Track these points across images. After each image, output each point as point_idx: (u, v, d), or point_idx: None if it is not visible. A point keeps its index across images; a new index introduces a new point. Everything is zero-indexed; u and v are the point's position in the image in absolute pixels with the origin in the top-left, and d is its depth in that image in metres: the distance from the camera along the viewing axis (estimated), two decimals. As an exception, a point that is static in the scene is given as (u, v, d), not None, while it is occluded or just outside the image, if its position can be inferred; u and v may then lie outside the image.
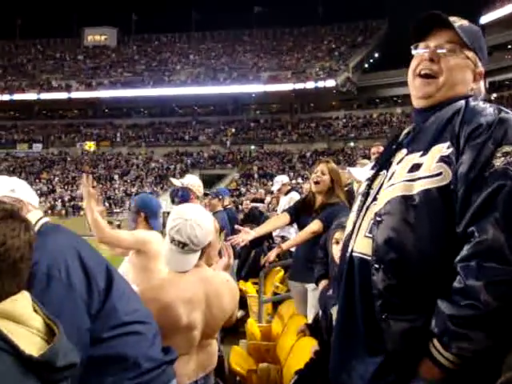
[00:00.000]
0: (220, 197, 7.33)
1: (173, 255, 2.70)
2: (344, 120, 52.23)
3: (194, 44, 64.73)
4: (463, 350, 1.52)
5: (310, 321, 3.91)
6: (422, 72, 1.88)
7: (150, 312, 2.27)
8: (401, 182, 1.73)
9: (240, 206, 20.82)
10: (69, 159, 51.55)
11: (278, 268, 8.10)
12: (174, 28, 70.25)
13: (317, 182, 4.50)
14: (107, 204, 37.74)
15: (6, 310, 1.38)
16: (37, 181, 45.56)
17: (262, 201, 13.45)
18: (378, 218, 1.74)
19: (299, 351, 3.63)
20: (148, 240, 3.99)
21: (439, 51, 1.86)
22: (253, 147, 50.27)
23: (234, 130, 53.41)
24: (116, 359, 1.99)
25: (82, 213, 37.12)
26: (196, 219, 2.69)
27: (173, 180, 6.01)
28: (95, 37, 67.16)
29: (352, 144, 48.23)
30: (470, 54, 1.88)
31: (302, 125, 53.03)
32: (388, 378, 1.64)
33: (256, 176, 43.84)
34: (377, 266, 1.68)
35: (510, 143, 1.62)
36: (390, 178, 1.80)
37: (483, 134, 1.64)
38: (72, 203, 40.53)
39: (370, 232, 1.76)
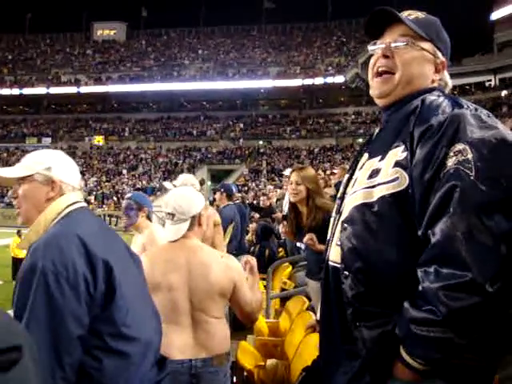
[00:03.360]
0: (222, 190, 7.35)
1: (166, 228, 3.05)
2: (353, 116, 52.01)
3: (203, 39, 64.64)
4: (427, 353, 1.50)
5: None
6: (379, 70, 1.86)
7: (152, 322, 2.18)
8: (361, 190, 1.72)
9: (247, 201, 20.75)
10: (78, 153, 51.65)
11: (286, 264, 8.09)
12: (183, 23, 70.82)
13: (294, 193, 4.32)
14: (115, 198, 37.80)
15: None
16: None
17: (268, 213, 11.14)
18: (345, 225, 1.74)
19: (307, 347, 3.61)
20: (151, 239, 4.37)
21: (393, 45, 1.83)
22: (261, 143, 50.20)
23: (242, 126, 53.33)
24: (92, 377, 1.87)
25: (90, 207, 37.29)
26: (180, 192, 3.13)
27: (165, 184, 6.16)
28: (104, 31, 67.21)
29: (361, 140, 47.98)
30: (427, 45, 1.84)
31: (310, 121, 52.87)
32: (363, 380, 1.64)
33: (264, 172, 43.77)
34: (346, 273, 1.69)
35: (462, 140, 1.56)
36: (353, 185, 1.81)
37: (434, 135, 1.60)
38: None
39: (340, 240, 1.76)
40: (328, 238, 1.93)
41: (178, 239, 2.99)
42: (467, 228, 1.46)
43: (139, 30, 68.20)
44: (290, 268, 8.07)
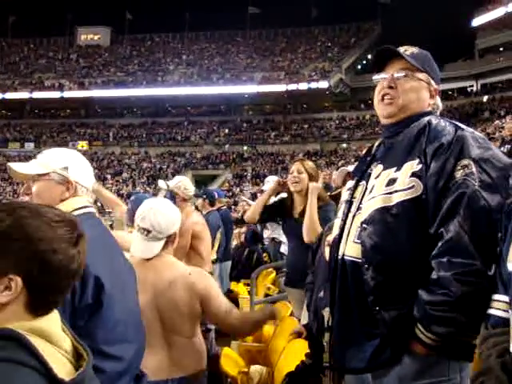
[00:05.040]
0: (204, 197, 7.30)
1: (138, 242, 2.83)
2: (337, 121, 52.27)
3: (188, 44, 64.61)
4: (441, 330, 1.85)
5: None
6: (385, 97, 2.22)
7: (131, 342, 2.09)
8: (380, 195, 2.06)
9: (233, 207, 20.77)
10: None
11: (270, 269, 8.09)
12: (167, 28, 70.06)
13: (295, 182, 4.47)
14: (99, 204, 37.55)
15: (41, 328, 1.29)
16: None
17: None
18: (364, 226, 2.07)
19: (290, 353, 3.62)
20: None
21: (396, 76, 2.20)
22: (245, 148, 50.23)
23: (226, 131, 53.34)
24: None
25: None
26: (160, 208, 2.87)
27: (159, 182, 5.95)
28: (88, 36, 66.89)
29: (345, 145, 48.28)
30: (422, 75, 2.22)
31: (294, 126, 53.03)
32: (384, 355, 1.98)
33: (249, 176, 43.83)
34: (367, 266, 2.02)
35: (466, 157, 1.95)
36: (370, 191, 2.13)
37: (445, 151, 1.98)
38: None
39: (359, 238, 2.08)
40: (335, 237, 2.26)
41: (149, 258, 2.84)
42: (473, 226, 1.85)
43: (123, 34, 67.92)
44: (274, 274, 8.07)
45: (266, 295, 7.16)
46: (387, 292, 1.98)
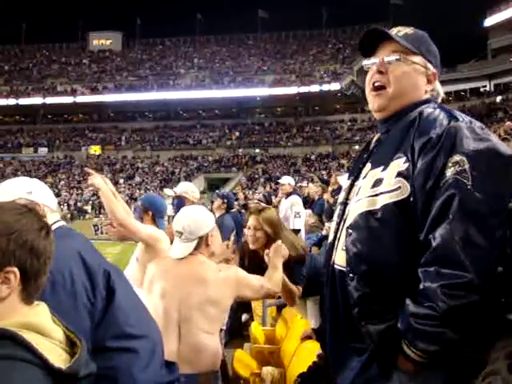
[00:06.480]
0: (224, 200, 7.32)
1: (174, 244, 3.17)
2: (349, 123, 52.16)
3: (199, 48, 64.80)
4: (425, 346, 1.62)
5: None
6: (375, 84, 1.99)
7: (152, 323, 2.21)
8: (366, 198, 1.84)
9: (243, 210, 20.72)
10: (74, 163, 51.63)
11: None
12: (178, 32, 70.79)
13: (253, 241, 3.80)
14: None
15: (32, 323, 1.38)
16: (43, 183, 45.50)
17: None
18: (349, 231, 1.86)
19: (303, 355, 3.61)
20: (159, 238, 4.16)
21: (386, 60, 1.96)
22: (257, 150, 50.25)
23: (238, 134, 53.40)
24: (108, 377, 1.88)
25: (87, 216, 37.24)
26: (190, 212, 3.23)
27: (166, 190, 6.12)
28: (100, 41, 67.32)
29: (357, 147, 48.10)
30: (417, 58, 1.97)
31: (306, 128, 52.98)
32: (371, 371, 1.78)
33: (261, 180, 43.81)
34: (351, 276, 1.81)
35: (459, 152, 1.69)
36: (357, 193, 1.92)
37: (433, 147, 1.73)
38: (77, 207, 40.55)
39: (345, 245, 1.88)
40: (330, 242, 2.05)
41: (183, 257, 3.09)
42: (465, 233, 1.59)
43: (135, 39, 68.35)
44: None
45: (279, 297, 7.13)
46: (373, 304, 1.76)
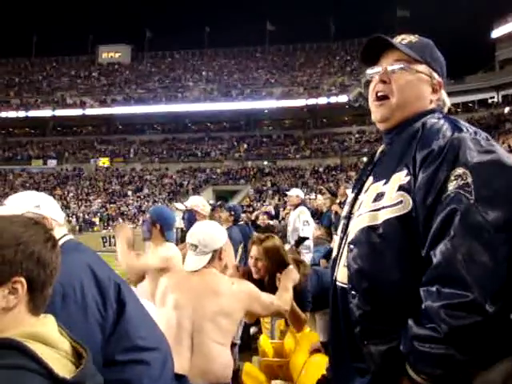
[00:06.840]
0: (232, 212, 7.33)
1: (188, 257, 3.23)
2: (357, 135, 52.11)
3: (207, 61, 65.14)
4: (428, 369, 1.53)
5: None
6: (378, 94, 1.93)
7: (161, 336, 2.23)
8: (367, 213, 1.77)
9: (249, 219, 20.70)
10: (83, 175, 51.87)
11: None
12: (187, 45, 71.10)
13: (255, 271, 3.78)
14: (121, 220, 37.83)
15: (39, 333, 1.39)
16: (51, 197, 45.70)
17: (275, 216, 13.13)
18: (351, 247, 1.79)
19: (312, 368, 3.59)
20: (170, 256, 4.22)
21: (389, 69, 1.90)
22: (266, 163, 50.27)
23: (246, 146, 53.48)
24: None
25: (95, 228, 37.37)
26: (205, 227, 3.33)
27: (176, 205, 6.16)
28: (109, 54, 67.82)
29: (365, 159, 47.98)
30: (422, 67, 1.90)
31: (314, 140, 53.00)
32: None
33: (269, 192, 43.79)
34: (353, 293, 1.75)
35: (462, 165, 1.61)
36: (359, 207, 1.86)
37: (435, 159, 1.65)
38: (86, 219, 40.69)
39: (346, 261, 1.81)
40: (333, 257, 1.99)
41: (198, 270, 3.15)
42: (467, 250, 1.50)
43: (143, 52, 68.81)
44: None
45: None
46: (375, 323, 1.69)
